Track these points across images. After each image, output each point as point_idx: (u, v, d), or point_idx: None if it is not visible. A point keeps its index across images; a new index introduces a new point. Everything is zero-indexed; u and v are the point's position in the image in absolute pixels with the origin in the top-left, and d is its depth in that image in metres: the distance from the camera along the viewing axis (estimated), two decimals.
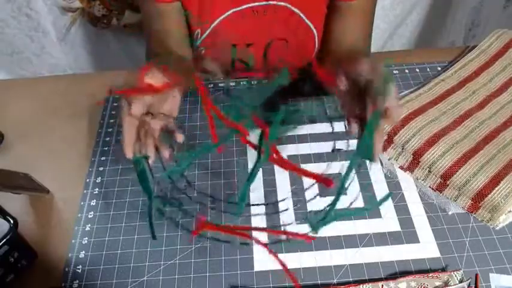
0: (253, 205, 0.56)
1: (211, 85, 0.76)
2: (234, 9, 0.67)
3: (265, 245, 0.40)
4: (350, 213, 0.45)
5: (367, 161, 0.47)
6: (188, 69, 0.66)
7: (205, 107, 0.48)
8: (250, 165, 0.63)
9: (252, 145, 0.46)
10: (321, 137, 0.66)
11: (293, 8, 0.68)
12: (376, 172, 0.62)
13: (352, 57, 0.53)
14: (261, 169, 0.63)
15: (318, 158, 0.64)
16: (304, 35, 0.71)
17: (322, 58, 0.74)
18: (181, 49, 0.69)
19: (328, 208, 0.45)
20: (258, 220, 0.56)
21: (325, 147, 0.65)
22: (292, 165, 0.45)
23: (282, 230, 0.45)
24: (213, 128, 0.47)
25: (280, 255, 0.47)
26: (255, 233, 0.52)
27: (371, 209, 0.55)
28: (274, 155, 0.45)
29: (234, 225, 0.48)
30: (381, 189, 0.60)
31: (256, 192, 0.60)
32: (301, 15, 0.68)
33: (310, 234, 0.46)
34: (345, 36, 0.69)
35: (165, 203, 0.56)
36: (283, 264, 0.39)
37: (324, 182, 0.43)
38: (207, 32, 0.69)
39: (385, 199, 0.50)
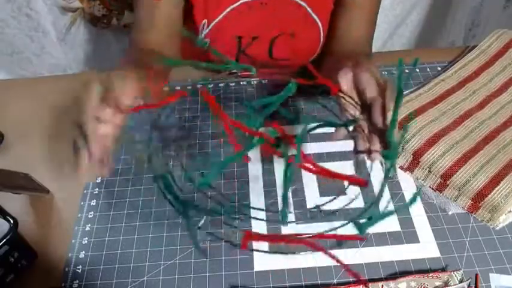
0: (253, 208, 0.55)
1: (211, 85, 0.75)
2: (244, 0, 0.67)
3: (322, 248, 0.39)
4: (391, 213, 0.43)
5: (389, 163, 0.47)
6: (165, 72, 0.67)
7: (219, 117, 0.45)
8: (251, 170, 0.63)
9: (278, 153, 0.45)
10: (321, 137, 0.66)
11: (300, 2, 0.68)
12: (376, 172, 0.62)
13: (353, 59, 0.53)
14: (260, 169, 0.63)
15: (318, 157, 0.64)
16: (310, 30, 0.71)
17: (324, 56, 0.74)
18: (170, 42, 0.68)
19: (370, 209, 0.43)
20: (260, 223, 0.56)
21: (326, 147, 0.65)
22: (323, 169, 0.44)
23: (332, 233, 0.43)
24: (232, 137, 0.46)
25: (279, 256, 0.47)
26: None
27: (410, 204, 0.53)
28: (305, 162, 0.43)
29: (278, 233, 0.45)
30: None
31: (256, 191, 0.60)
32: (308, 9, 0.68)
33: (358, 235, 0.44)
34: (350, 32, 0.69)
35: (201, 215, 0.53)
36: (345, 265, 0.38)
37: (358, 183, 0.43)
38: (214, 22, 0.69)
39: (413, 199, 0.48)
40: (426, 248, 0.54)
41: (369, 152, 0.49)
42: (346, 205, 0.53)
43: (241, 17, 0.69)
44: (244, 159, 0.47)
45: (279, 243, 0.44)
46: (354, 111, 0.51)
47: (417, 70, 0.76)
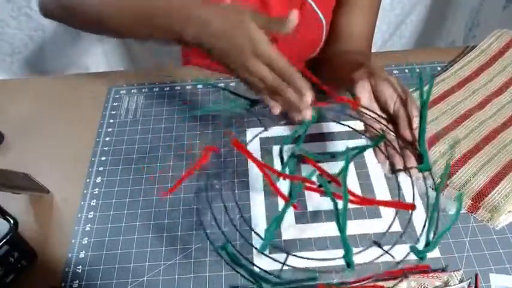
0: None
1: (210, 87, 0.75)
2: None
3: None
4: (444, 232, 0.43)
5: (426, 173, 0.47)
6: None
7: (258, 167, 0.45)
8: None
9: (319, 191, 0.44)
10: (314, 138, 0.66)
11: None
12: (376, 172, 0.62)
13: (365, 68, 0.53)
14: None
15: None
16: (314, 26, 0.71)
17: (324, 56, 0.74)
18: None
19: (426, 233, 0.43)
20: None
21: (320, 147, 0.65)
22: (373, 201, 0.44)
23: (400, 268, 0.42)
24: (275, 186, 0.44)
25: (278, 255, 0.47)
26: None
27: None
28: (352, 198, 0.42)
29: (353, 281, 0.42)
30: (381, 189, 0.60)
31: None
32: (313, 4, 0.68)
33: (421, 263, 0.43)
34: (350, 30, 0.70)
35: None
36: None
37: (407, 208, 0.42)
38: None
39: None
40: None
41: (406, 169, 0.48)
42: (401, 235, 0.46)
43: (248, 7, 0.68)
44: (294, 208, 0.46)
45: None
46: (379, 125, 0.50)
47: (417, 70, 0.76)
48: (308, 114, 0.46)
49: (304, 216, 0.57)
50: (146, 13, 0.48)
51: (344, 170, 0.43)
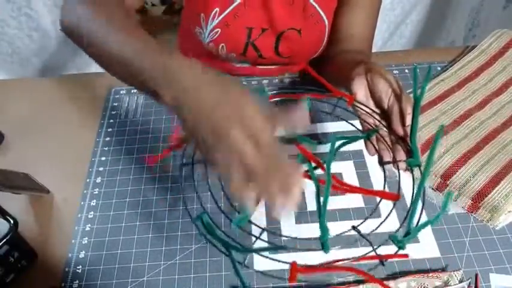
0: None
1: None
2: None
3: (373, 278, 0.39)
4: (428, 224, 0.43)
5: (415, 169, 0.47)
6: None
7: None
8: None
9: (308, 176, 0.44)
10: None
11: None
12: (376, 172, 0.62)
13: (363, 65, 0.53)
14: None
15: None
16: (317, 26, 0.71)
17: (325, 56, 0.74)
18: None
19: (406, 223, 0.43)
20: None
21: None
22: (354, 188, 0.45)
23: (377, 254, 0.42)
24: None
25: (278, 255, 0.47)
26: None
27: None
28: (336, 184, 0.43)
29: (326, 262, 0.42)
30: (381, 189, 0.60)
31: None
32: (316, 5, 0.68)
33: (400, 252, 0.42)
34: (350, 30, 0.70)
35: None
36: None
37: (391, 198, 0.43)
38: (227, 11, 0.68)
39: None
40: (426, 248, 0.54)
41: (394, 162, 0.48)
42: (381, 223, 0.46)
43: (252, 10, 0.68)
44: None
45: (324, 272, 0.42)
46: (373, 120, 0.51)
47: (417, 70, 0.76)
48: (289, 212, 0.36)
49: (304, 216, 0.57)
50: (131, 67, 0.43)
51: (329, 156, 0.43)
